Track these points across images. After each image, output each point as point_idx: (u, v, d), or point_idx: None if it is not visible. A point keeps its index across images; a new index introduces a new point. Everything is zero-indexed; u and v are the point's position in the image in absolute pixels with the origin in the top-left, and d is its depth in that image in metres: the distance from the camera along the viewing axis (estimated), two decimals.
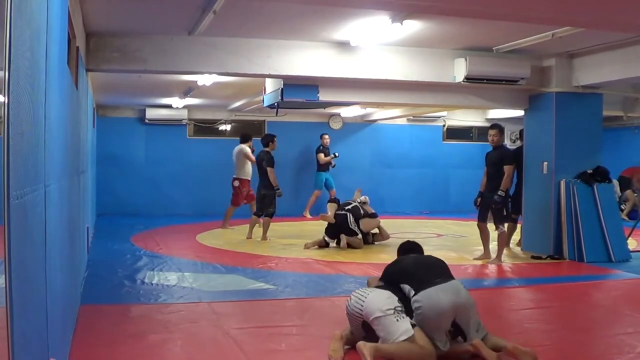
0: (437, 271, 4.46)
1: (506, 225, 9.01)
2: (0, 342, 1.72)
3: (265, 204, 10.47)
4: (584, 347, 4.82)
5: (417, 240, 5.17)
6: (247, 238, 10.58)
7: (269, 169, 10.39)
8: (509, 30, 7.50)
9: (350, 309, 4.41)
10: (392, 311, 4.20)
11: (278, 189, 10.45)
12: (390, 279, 4.58)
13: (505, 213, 8.54)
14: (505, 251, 9.24)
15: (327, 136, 14.66)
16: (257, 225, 10.79)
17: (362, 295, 4.37)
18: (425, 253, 4.99)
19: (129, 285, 6.80)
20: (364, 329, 4.35)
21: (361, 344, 4.08)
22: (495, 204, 8.35)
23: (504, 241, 8.66)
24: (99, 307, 5.74)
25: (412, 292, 4.29)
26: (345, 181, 14.73)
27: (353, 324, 4.45)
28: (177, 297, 6.26)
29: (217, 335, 4.89)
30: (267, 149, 10.67)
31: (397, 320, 4.16)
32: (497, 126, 8.75)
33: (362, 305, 4.31)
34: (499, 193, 8.34)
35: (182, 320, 5.32)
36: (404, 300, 4.31)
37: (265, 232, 10.49)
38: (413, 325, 4.18)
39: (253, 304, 6.20)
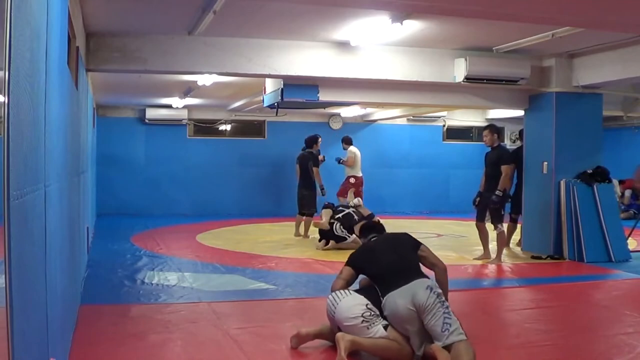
0: (402, 269, 4.38)
1: (506, 225, 9.00)
2: (0, 342, 1.72)
3: (305, 203, 10.86)
4: (584, 347, 4.82)
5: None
6: (296, 236, 10.95)
7: (315, 169, 10.88)
8: (509, 30, 7.50)
9: (327, 312, 4.50)
10: (360, 319, 4.26)
11: (323, 188, 11.02)
12: (366, 272, 4.64)
13: (502, 212, 8.53)
14: (505, 251, 9.24)
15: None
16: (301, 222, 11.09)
17: (335, 301, 4.43)
18: None
19: (129, 285, 6.80)
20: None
21: (340, 335, 4.18)
22: (493, 204, 8.36)
23: (503, 241, 8.66)
24: (99, 307, 5.74)
25: (381, 298, 4.36)
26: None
27: (332, 325, 4.52)
28: (177, 297, 6.25)
29: (217, 335, 4.89)
30: (310, 150, 11.11)
31: (368, 327, 4.24)
32: (488, 127, 8.79)
33: (334, 311, 4.41)
34: (496, 193, 8.35)
35: (182, 320, 5.32)
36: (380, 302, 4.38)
37: (306, 230, 10.84)
38: (386, 326, 4.24)
39: (253, 304, 6.20)
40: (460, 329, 4.09)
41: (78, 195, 5.60)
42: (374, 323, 4.25)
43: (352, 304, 4.35)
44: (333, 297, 4.49)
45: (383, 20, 6.80)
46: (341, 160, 12.37)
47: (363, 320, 4.26)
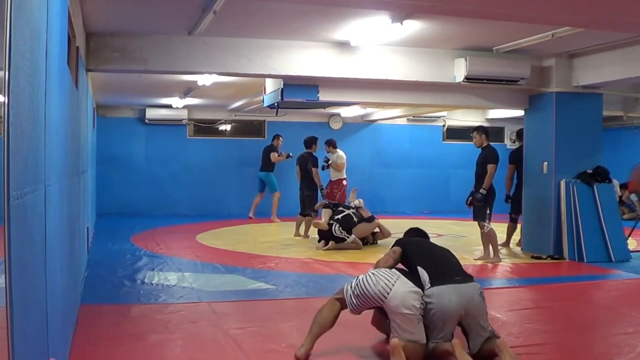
0: (457, 269, 4.42)
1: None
2: (1, 342, 1.72)
3: (307, 204, 10.82)
4: (584, 347, 4.82)
5: None
6: (296, 236, 10.94)
7: (314, 169, 10.84)
8: (509, 30, 7.51)
9: (371, 292, 4.16)
10: (419, 310, 4.09)
11: (323, 189, 10.96)
12: (411, 256, 4.47)
13: (489, 211, 8.52)
14: (505, 251, 9.27)
15: (281, 138, 13.72)
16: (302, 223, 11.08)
17: (389, 282, 4.15)
18: None
19: (129, 285, 6.79)
20: (376, 317, 4.38)
21: (396, 344, 3.97)
22: (477, 201, 8.40)
23: (494, 238, 8.60)
24: (99, 307, 5.74)
25: (428, 284, 4.20)
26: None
27: (362, 306, 4.27)
28: (177, 297, 6.25)
29: (217, 335, 4.89)
30: (310, 151, 11.09)
31: (419, 322, 4.10)
32: (476, 129, 8.82)
33: (387, 294, 4.11)
34: (480, 191, 8.38)
35: (182, 320, 5.32)
36: (420, 286, 4.24)
37: (306, 230, 10.83)
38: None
39: (253, 304, 6.20)
40: (490, 327, 4.23)
41: (78, 195, 5.60)
42: (421, 317, 4.12)
43: (407, 290, 4.13)
44: (385, 277, 4.20)
45: (383, 20, 6.80)
46: (329, 163, 11.86)
47: (421, 313, 4.10)
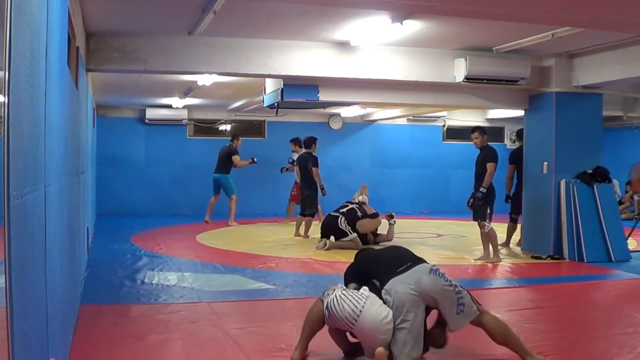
0: (400, 260, 4.27)
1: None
2: (0, 342, 1.72)
3: (307, 204, 10.87)
4: (584, 347, 4.82)
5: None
6: (296, 236, 10.92)
7: (314, 169, 10.82)
8: (509, 30, 7.51)
9: (339, 314, 4.06)
10: (391, 332, 3.97)
11: (323, 188, 10.92)
12: (367, 275, 4.37)
13: (489, 211, 8.52)
14: (505, 251, 9.27)
15: (240, 138, 13.40)
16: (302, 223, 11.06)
17: (357, 306, 4.01)
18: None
19: (129, 285, 6.79)
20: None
21: (381, 352, 3.91)
22: (477, 200, 8.40)
23: (494, 238, 8.61)
24: (99, 307, 5.74)
25: (379, 285, 4.14)
26: (344, 181, 14.74)
27: (334, 324, 4.21)
28: (177, 297, 6.26)
29: (217, 335, 4.89)
30: (309, 151, 11.08)
31: (394, 336, 4.00)
32: (476, 129, 8.84)
33: (357, 317, 4.00)
34: (480, 190, 8.40)
35: (182, 320, 5.32)
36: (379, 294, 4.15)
37: (306, 230, 10.84)
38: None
39: (253, 304, 6.20)
40: (472, 303, 4.15)
41: (78, 195, 5.60)
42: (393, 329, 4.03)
43: (382, 314, 3.98)
44: (351, 301, 4.04)
45: (383, 20, 6.80)
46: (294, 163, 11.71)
47: (394, 331, 3.97)
